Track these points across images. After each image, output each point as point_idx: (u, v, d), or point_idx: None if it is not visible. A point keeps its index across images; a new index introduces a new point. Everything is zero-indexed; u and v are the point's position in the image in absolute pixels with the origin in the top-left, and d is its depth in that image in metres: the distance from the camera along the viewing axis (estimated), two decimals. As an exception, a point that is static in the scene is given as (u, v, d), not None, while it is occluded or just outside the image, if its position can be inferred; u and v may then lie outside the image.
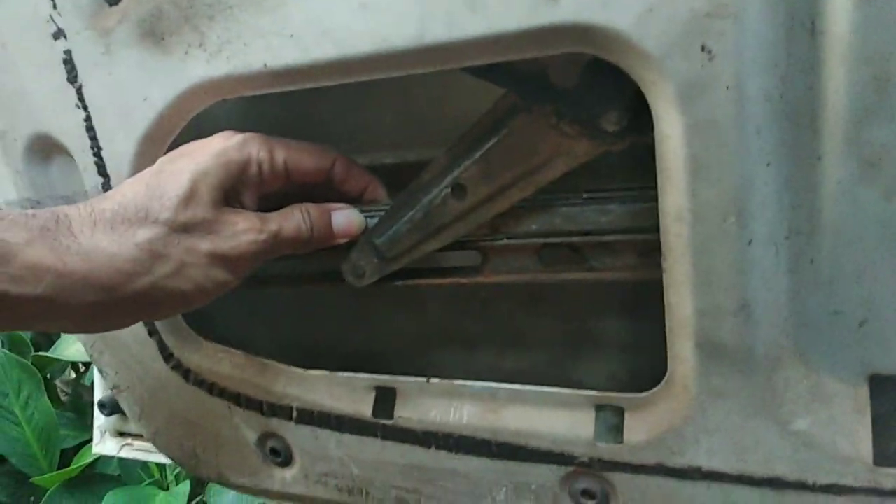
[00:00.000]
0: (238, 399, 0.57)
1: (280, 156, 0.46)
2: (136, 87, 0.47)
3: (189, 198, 0.42)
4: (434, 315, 0.70)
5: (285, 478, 0.61)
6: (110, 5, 0.46)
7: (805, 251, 0.37)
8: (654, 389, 0.44)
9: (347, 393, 0.54)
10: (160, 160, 0.45)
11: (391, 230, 0.52)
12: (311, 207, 0.48)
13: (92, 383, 2.05)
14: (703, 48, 0.34)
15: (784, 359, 0.39)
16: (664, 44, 0.34)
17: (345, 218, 0.50)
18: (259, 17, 0.42)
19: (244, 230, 0.44)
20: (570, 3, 0.35)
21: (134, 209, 0.42)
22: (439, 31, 0.38)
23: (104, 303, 0.40)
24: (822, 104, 0.34)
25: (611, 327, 0.59)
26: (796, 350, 0.39)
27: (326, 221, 0.49)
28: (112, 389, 0.63)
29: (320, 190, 0.50)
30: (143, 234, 0.41)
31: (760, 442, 0.41)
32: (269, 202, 0.47)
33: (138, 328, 0.56)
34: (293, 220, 0.47)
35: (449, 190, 0.48)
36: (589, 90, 0.41)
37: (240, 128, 0.47)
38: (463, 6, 0.37)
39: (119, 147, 0.49)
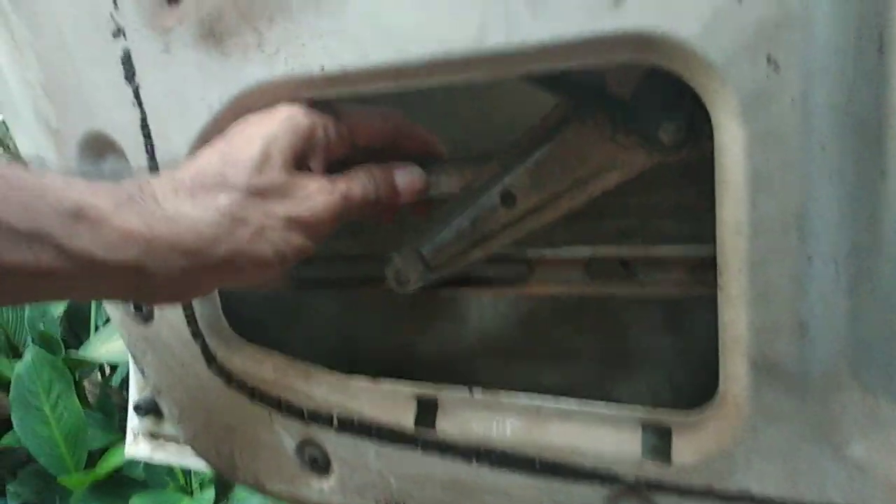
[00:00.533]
0: (279, 404, 0.56)
1: (345, 119, 0.47)
2: (193, 87, 0.47)
3: (262, 162, 0.43)
4: (475, 324, 0.70)
5: (322, 488, 0.60)
6: (170, 4, 0.47)
7: (866, 270, 0.36)
8: (704, 408, 0.43)
9: (389, 402, 0.53)
10: (230, 128, 0.46)
11: (437, 238, 0.52)
12: (375, 168, 0.48)
13: (119, 385, 2.07)
14: (768, 59, 0.33)
15: (841, 381, 0.38)
16: (729, 53, 0.34)
17: (408, 175, 0.50)
18: (318, 18, 0.42)
19: (316, 192, 0.45)
20: (634, 10, 0.35)
21: (212, 176, 0.43)
22: (499, 35, 0.38)
23: (191, 268, 0.41)
24: (887, 119, 0.33)
25: (654, 343, 0.58)
26: (854, 372, 0.38)
27: (391, 181, 0.49)
28: (153, 391, 0.64)
29: (384, 154, 0.50)
30: (223, 199, 0.42)
31: (814, 467, 0.40)
32: (336, 167, 0.48)
33: (182, 329, 0.57)
34: (359, 180, 0.47)
35: (498, 198, 0.48)
36: (646, 100, 0.41)
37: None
38: (524, 10, 0.37)
39: (173, 147, 0.50)
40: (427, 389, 0.52)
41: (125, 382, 1.88)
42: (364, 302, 0.71)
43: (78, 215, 0.37)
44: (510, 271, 0.54)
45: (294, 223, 0.44)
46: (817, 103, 0.34)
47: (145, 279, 0.39)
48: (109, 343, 1.82)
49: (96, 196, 0.38)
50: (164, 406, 0.64)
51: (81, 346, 1.98)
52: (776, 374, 0.39)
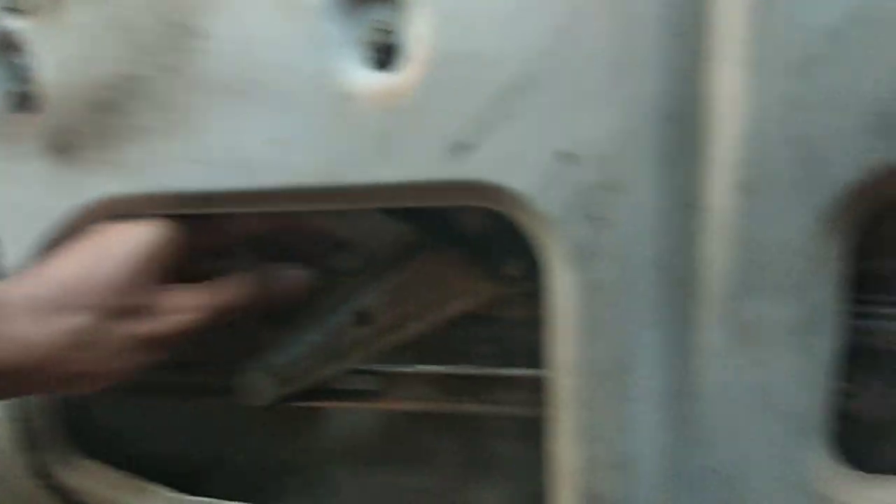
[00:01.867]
0: (113, 523, 0.52)
1: (207, 226, 0.45)
2: (38, 196, 0.45)
3: (125, 280, 0.40)
4: (334, 432, 0.68)
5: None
6: (20, 114, 0.45)
7: (685, 411, 0.38)
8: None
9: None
10: (93, 237, 0.43)
11: (291, 352, 0.51)
12: (250, 274, 0.46)
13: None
14: (595, 216, 0.35)
15: (664, 513, 0.40)
16: (562, 209, 0.36)
17: (286, 280, 0.48)
18: (174, 143, 0.42)
19: (182, 307, 0.42)
20: (475, 161, 0.36)
21: (71, 294, 0.39)
22: (349, 174, 0.39)
23: (14, 388, 0.39)
24: (702, 276, 0.36)
25: (510, 451, 0.59)
26: (675, 504, 0.40)
27: (267, 286, 0.47)
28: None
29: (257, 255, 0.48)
30: (77, 322, 0.39)
31: None
32: (201, 274, 0.45)
33: (13, 441, 0.52)
34: (230, 289, 0.45)
35: (353, 316, 0.48)
36: (493, 238, 0.43)
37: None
38: (375, 153, 0.38)
39: (21, 251, 0.47)
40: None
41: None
42: (218, 411, 0.68)
43: None
44: (367, 385, 0.54)
45: (154, 341, 0.42)
46: (638, 258, 0.36)
47: None
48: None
49: None
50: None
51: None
52: (603, 506, 0.40)
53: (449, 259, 0.44)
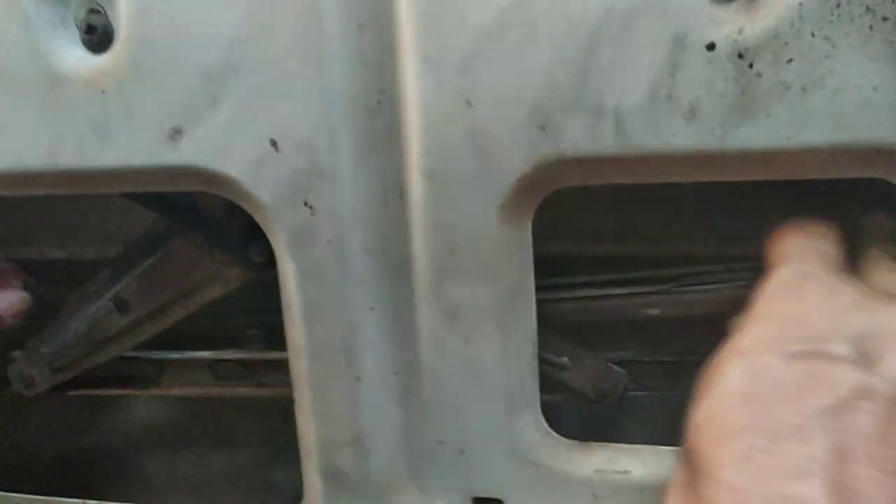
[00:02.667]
0: None
1: None
2: None
3: None
4: (139, 417, 0.67)
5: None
6: None
7: (411, 386, 0.40)
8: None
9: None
10: None
11: (58, 340, 0.49)
12: None
13: None
14: (305, 203, 0.36)
15: (399, 485, 0.41)
16: (273, 195, 0.36)
17: (6, 301, 0.46)
18: None
19: None
20: (189, 147, 0.36)
21: None
22: (70, 157, 0.37)
23: None
24: (412, 259, 0.37)
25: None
26: (410, 476, 0.41)
27: None
28: None
29: None
30: None
31: (378, 564, 0.42)
32: None
33: None
34: None
35: (112, 304, 0.47)
36: (234, 222, 0.42)
37: None
38: (92, 136, 0.37)
39: None
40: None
41: None
42: (24, 404, 0.65)
43: None
44: (142, 372, 0.53)
45: None
46: (352, 244, 0.37)
47: None
48: None
49: None
50: None
51: None
52: (342, 481, 0.41)
53: (198, 246, 0.44)
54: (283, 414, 0.61)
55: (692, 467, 0.27)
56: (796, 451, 0.24)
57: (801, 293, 0.30)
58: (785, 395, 0.26)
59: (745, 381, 0.27)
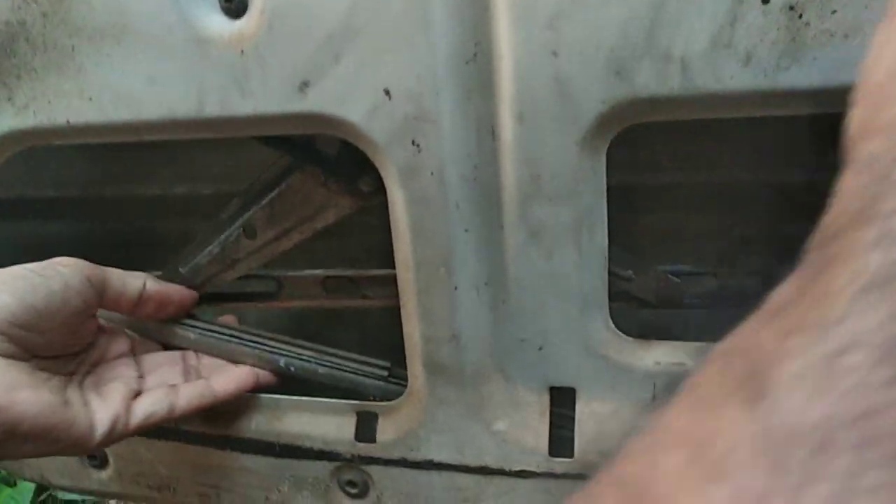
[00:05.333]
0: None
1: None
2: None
3: None
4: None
5: (102, 478, 0.64)
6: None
7: (499, 294, 0.46)
8: (399, 399, 0.52)
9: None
10: None
11: (194, 260, 0.57)
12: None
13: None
14: (413, 142, 0.41)
15: (488, 375, 0.48)
16: (386, 136, 0.42)
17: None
18: (61, 80, 0.46)
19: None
20: (315, 97, 0.42)
21: None
22: (214, 107, 0.44)
23: None
24: (501, 188, 0.43)
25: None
26: (497, 368, 0.48)
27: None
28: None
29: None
30: None
31: (473, 439, 0.50)
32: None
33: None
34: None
35: (241, 230, 0.54)
36: (347, 157, 0.48)
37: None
38: (234, 89, 0.43)
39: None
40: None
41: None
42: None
43: None
44: (263, 288, 0.60)
45: None
46: (451, 175, 0.42)
47: None
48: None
49: None
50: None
51: None
52: (442, 372, 0.48)
53: (313, 178, 0.50)
54: (379, 322, 0.68)
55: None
56: None
57: None
58: None
59: None
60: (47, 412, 0.43)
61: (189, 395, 0.50)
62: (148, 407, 0.49)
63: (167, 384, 0.51)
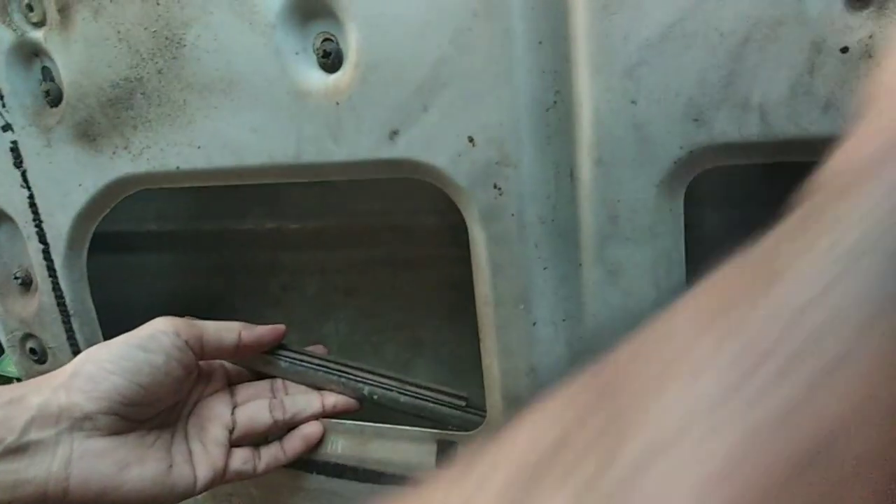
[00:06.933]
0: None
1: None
2: (72, 175, 0.54)
3: None
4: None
5: (196, 497, 0.67)
6: (51, 107, 0.53)
7: (576, 331, 0.47)
8: (478, 429, 0.53)
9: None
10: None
11: None
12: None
13: None
14: (495, 186, 0.43)
15: (566, 409, 0.49)
16: (469, 180, 0.44)
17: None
18: (173, 130, 0.50)
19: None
20: (405, 144, 0.44)
21: None
22: (311, 154, 0.47)
23: None
24: (579, 227, 0.44)
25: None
26: (575, 402, 0.49)
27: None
28: None
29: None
30: None
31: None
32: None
33: None
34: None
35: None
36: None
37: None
38: (328, 138, 0.46)
39: (57, 221, 0.56)
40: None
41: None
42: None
43: None
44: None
45: None
46: (530, 216, 0.44)
47: None
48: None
49: None
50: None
51: None
52: (519, 404, 0.49)
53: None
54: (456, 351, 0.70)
55: None
56: None
57: None
58: None
59: None
60: (155, 485, 0.46)
61: (267, 459, 0.55)
62: (240, 466, 0.53)
63: (255, 430, 0.54)
